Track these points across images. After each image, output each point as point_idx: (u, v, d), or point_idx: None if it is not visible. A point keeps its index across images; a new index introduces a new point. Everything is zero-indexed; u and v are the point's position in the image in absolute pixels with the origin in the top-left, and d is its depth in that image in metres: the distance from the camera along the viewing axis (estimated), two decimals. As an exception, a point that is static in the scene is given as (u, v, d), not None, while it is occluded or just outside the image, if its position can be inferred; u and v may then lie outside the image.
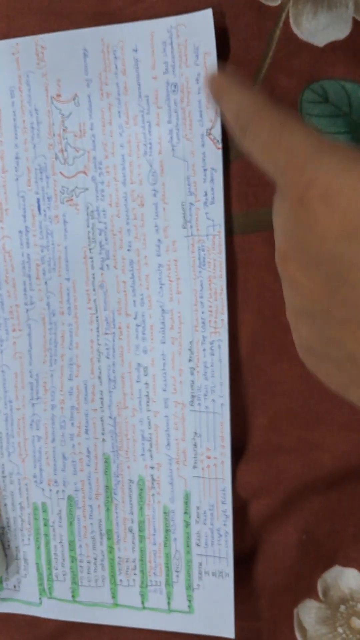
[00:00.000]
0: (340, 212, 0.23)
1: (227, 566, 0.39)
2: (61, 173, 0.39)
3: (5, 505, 0.42)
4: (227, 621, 0.39)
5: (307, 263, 0.25)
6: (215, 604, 0.39)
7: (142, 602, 0.41)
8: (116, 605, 0.41)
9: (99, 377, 0.40)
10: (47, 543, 0.42)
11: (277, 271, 0.38)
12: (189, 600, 0.40)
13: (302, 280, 0.26)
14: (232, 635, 0.38)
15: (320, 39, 0.36)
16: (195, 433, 0.39)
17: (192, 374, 0.39)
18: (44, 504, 0.42)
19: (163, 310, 0.39)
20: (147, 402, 0.40)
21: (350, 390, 0.27)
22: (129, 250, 0.39)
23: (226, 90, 0.31)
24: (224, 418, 0.39)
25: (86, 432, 0.41)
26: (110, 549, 0.41)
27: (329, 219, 0.23)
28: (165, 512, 0.40)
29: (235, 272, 0.38)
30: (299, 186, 0.24)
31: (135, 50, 0.37)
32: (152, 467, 0.40)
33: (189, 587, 0.40)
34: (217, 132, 0.37)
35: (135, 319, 0.39)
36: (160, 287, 0.39)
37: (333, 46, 0.36)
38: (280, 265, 0.27)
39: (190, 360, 0.39)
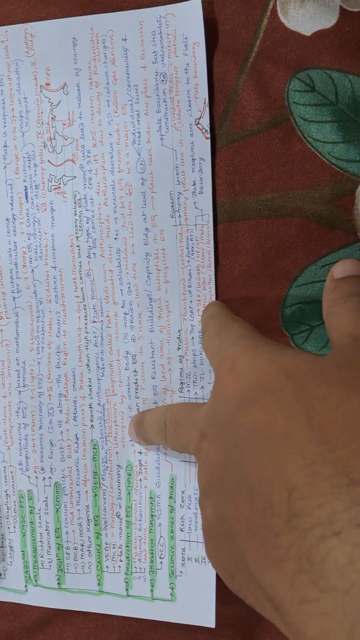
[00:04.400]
0: (240, 381, 0.26)
1: (212, 552, 0.39)
2: (49, 161, 0.39)
3: (-8, 494, 0.42)
4: (208, 610, 0.39)
5: (214, 434, 0.26)
6: (197, 592, 0.39)
7: (127, 590, 0.41)
8: (101, 592, 0.41)
9: (87, 365, 0.40)
10: (33, 530, 0.42)
11: (263, 260, 0.38)
12: (172, 588, 0.40)
13: (209, 452, 0.26)
14: (212, 625, 0.38)
15: (307, 28, 0.36)
16: None
17: (180, 361, 0.39)
18: (29, 492, 0.42)
19: (151, 299, 0.39)
20: (136, 389, 0.40)
21: (235, 580, 0.24)
22: (115, 238, 0.39)
23: (209, 306, 0.38)
24: None
25: (74, 419, 0.41)
26: (98, 535, 0.41)
27: (231, 388, 0.26)
28: (151, 497, 0.40)
29: (222, 259, 0.39)
30: (218, 362, 0.28)
31: (125, 40, 0.37)
32: (140, 452, 0.40)
33: (172, 574, 0.40)
34: (206, 122, 0.37)
35: (122, 307, 0.39)
36: (148, 276, 0.39)
37: (320, 35, 0.36)
38: (198, 443, 0.28)
39: (179, 349, 0.39)
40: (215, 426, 0.26)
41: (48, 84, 0.39)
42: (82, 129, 0.39)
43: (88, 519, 0.41)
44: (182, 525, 0.39)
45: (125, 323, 0.39)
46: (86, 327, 0.40)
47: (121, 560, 0.41)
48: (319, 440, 0.21)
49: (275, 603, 0.20)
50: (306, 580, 0.19)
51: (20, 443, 0.42)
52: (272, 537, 0.20)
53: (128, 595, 0.41)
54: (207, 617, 0.39)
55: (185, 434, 0.31)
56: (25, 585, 0.42)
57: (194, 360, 0.39)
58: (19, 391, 0.41)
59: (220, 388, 0.27)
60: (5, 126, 0.39)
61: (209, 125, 0.37)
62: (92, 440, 0.41)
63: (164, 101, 0.37)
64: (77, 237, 0.39)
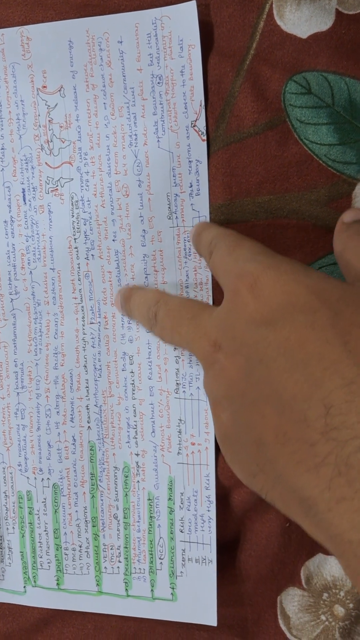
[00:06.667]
0: (263, 299, 0.26)
1: (211, 552, 0.39)
2: (46, 163, 0.39)
3: (-9, 495, 0.42)
4: (210, 609, 0.39)
5: (233, 348, 0.27)
6: (198, 591, 0.39)
7: (126, 590, 0.41)
8: (100, 592, 0.41)
9: (85, 366, 0.40)
10: (32, 531, 0.42)
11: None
12: (172, 588, 0.40)
13: (226, 365, 0.27)
14: (214, 623, 0.39)
15: (303, 31, 0.36)
16: (180, 420, 0.39)
17: (177, 362, 0.39)
18: (28, 493, 0.42)
19: None
20: (133, 390, 0.40)
21: (256, 478, 0.27)
22: (114, 240, 0.39)
23: (205, 228, 0.36)
24: (208, 404, 0.39)
25: (72, 420, 0.41)
26: (95, 536, 0.41)
27: (253, 305, 0.26)
28: (149, 499, 0.40)
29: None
30: (235, 278, 0.28)
31: (120, 42, 0.37)
32: (137, 454, 0.40)
33: (172, 574, 0.40)
34: (202, 124, 0.37)
35: None
36: (146, 277, 0.39)
37: (316, 37, 0.36)
38: (211, 353, 0.29)
39: (175, 349, 0.39)
40: (233, 340, 0.27)
41: (45, 87, 0.39)
42: (79, 132, 0.39)
43: (86, 520, 0.41)
44: (182, 526, 0.40)
45: (122, 324, 0.40)
46: (84, 329, 0.40)
47: (119, 561, 0.41)
48: (357, 364, 0.22)
49: (309, 504, 0.23)
50: (342, 482, 0.21)
51: (19, 444, 0.42)
52: (306, 447, 0.23)
53: (128, 596, 0.41)
54: (208, 616, 0.39)
55: (190, 335, 0.31)
56: (24, 586, 0.42)
57: (190, 360, 0.39)
58: (17, 392, 0.41)
59: (240, 304, 0.27)
60: (2, 129, 0.39)
61: (205, 127, 0.37)
62: (89, 441, 0.41)
63: (160, 103, 0.38)
64: (75, 238, 0.39)
